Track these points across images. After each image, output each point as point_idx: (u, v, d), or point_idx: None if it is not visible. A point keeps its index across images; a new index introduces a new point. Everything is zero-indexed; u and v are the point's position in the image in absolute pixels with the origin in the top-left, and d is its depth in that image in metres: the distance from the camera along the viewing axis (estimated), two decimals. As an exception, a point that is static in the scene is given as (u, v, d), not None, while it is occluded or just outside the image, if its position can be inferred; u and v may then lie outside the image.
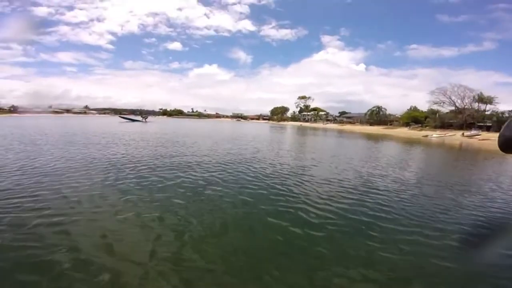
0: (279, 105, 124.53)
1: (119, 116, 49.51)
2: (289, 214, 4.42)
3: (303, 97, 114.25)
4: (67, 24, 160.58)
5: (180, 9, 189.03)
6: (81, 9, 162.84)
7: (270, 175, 6.94)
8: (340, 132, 47.43)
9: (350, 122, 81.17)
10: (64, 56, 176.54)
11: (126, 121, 39.66)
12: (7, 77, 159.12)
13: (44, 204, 4.24)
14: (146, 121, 39.97)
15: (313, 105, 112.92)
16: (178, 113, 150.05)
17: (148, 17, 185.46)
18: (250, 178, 6.47)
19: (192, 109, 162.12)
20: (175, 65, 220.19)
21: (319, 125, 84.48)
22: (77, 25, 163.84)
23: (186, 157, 8.75)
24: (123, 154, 9.07)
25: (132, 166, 7.16)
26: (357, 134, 39.36)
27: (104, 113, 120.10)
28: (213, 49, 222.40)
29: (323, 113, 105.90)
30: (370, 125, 66.05)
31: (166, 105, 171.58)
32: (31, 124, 29.42)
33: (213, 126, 38.80)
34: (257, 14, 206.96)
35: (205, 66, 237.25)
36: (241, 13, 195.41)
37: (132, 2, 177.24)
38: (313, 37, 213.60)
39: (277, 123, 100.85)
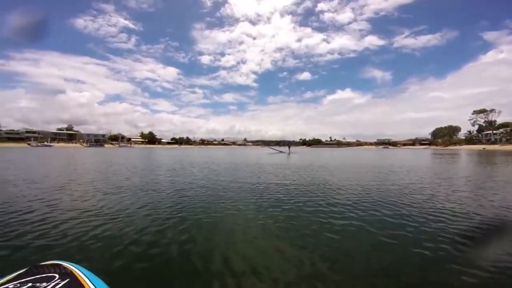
0: (443, 125, 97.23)
1: (269, 147, 55.95)
2: None
3: (481, 111, 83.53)
4: (224, 68, 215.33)
5: (299, 40, 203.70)
6: (229, 54, 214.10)
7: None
8: None
9: None
10: (227, 97, 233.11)
11: (275, 152, 42.86)
12: (196, 117, 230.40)
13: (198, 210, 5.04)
14: (289, 153, 40.22)
15: (500, 119, 79.38)
16: (316, 142, 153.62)
17: (276, 53, 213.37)
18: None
19: (330, 137, 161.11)
20: (308, 94, 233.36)
21: (521, 147, 57.09)
22: (230, 68, 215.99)
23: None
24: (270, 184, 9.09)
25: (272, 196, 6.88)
26: None
27: (257, 145, 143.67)
28: (342, 72, 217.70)
29: (523, 129, 71.78)
30: None
31: (304, 134, 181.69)
32: (210, 154, 39.56)
33: (356, 157, 33.21)
34: (381, 26, 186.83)
35: (337, 91, 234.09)
36: (361, 30, 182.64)
37: (260, 41, 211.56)
38: (470, 37, 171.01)
39: (443, 148, 78.01)
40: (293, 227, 4.19)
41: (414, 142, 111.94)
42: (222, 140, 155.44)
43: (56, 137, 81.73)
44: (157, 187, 8.14)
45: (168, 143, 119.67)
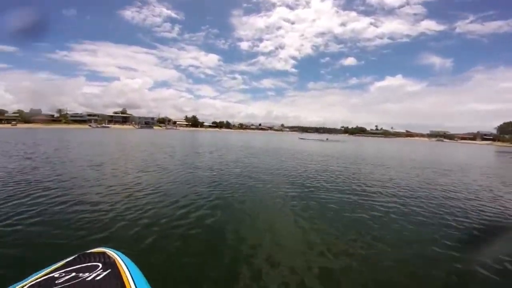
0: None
1: (306, 134, 56.61)
2: None
3: None
4: (262, 54, 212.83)
5: (343, 24, 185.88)
6: (267, 40, 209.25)
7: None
8: None
9: None
10: (266, 82, 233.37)
11: (311, 139, 44.54)
12: (236, 102, 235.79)
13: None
14: (327, 140, 44.15)
15: None
16: (360, 131, 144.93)
17: (317, 38, 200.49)
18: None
19: (376, 126, 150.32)
20: (353, 81, 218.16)
21: None
22: (269, 54, 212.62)
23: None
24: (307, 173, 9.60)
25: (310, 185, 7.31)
26: None
27: (294, 131, 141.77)
28: (393, 58, 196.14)
29: None
30: None
31: (348, 122, 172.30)
32: (251, 137, 41.13)
33: (406, 149, 31.13)
34: (440, 11, 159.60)
35: (387, 78, 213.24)
36: (415, 14, 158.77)
37: (300, 26, 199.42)
38: None
39: (511, 145, 67.23)
40: (324, 219, 4.58)
41: (475, 136, 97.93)
42: (260, 125, 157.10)
43: (112, 119, 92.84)
44: (197, 166, 9.52)
45: (210, 126, 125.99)
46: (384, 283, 2.78)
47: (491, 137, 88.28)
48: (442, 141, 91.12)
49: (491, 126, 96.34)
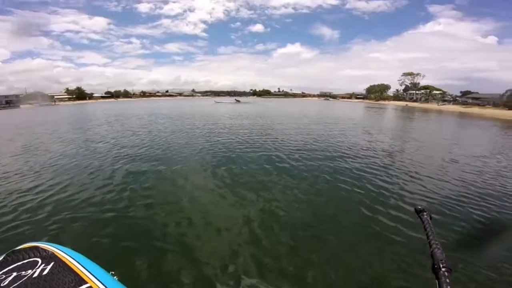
0: (377, 83, 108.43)
1: (216, 101, 56.96)
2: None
3: (409, 74, 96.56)
4: (167, 17, 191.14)
5: None
6: (174, 2, 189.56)
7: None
8: (463, 116, 36.54)
9: (477, 104, 61.75)
10: (172, 47, 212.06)
11: (225, 102, 46.66)
12: (134, 68, 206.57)
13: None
14: (239, 101, 47.89)
15: (423, 82, 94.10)
16: (266, 93, 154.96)
17: (229, 2, 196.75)
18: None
19: (278, 89, 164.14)
20: (260, 47, 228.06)
21: (432, 106, 69.48)
22: (175, 17, 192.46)
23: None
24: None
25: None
26: (489, 121, 27.17)
27: (206, 95, 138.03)
28: (294, 27, 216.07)
29: (437, 92, 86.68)
30: (509, 109, 47.79)
31: (255, 85, 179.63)
32: (162, 105, 37.70)
33: (302, 106, 37.66)
34: None
35: (288, 45, 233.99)
36: None
37: None
38: (417, 7, 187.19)
39: (375, 102, 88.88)
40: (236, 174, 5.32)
41: (351, 96, 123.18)
42: (167, 91, 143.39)
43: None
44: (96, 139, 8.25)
45: (102, 97, 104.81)
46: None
47: (362, 97, 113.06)
48: (328, 100, 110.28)
49: (362, 87, 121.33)
